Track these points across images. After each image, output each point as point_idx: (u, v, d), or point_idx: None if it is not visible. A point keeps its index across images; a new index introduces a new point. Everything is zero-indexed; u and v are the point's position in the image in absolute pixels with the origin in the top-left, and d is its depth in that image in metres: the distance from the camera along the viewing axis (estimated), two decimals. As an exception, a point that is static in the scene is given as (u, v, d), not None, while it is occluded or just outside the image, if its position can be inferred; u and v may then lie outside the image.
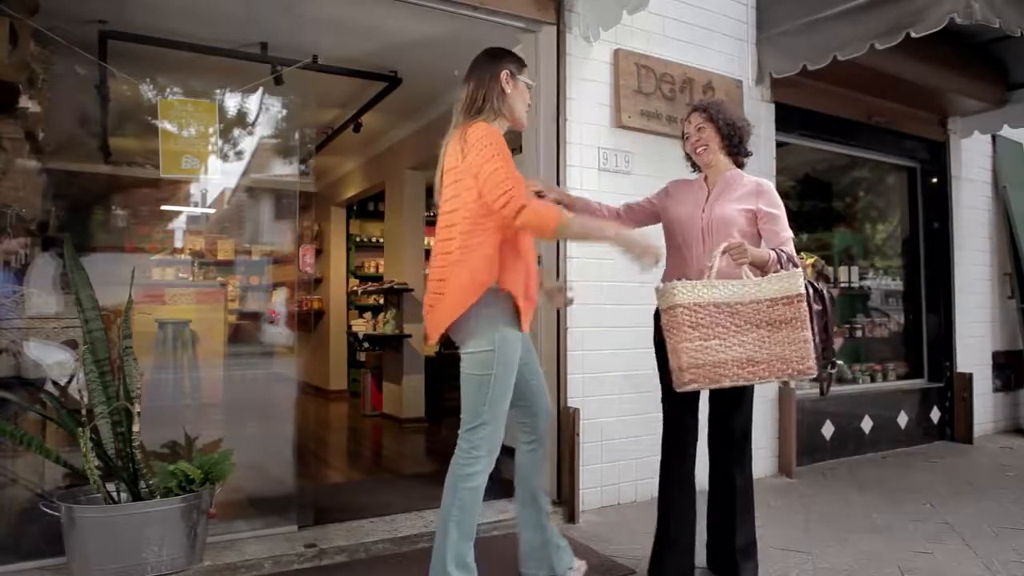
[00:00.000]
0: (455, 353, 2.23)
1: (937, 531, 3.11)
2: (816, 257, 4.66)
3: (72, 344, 2.82)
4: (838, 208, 5.60)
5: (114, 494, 2.34)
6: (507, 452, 2.24)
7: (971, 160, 5.49)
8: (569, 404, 3.31)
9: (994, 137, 5.56)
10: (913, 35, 3.39)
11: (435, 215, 2.27)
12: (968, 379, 5.16)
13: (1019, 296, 5.57)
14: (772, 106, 4.21)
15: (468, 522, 2.09)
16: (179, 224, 4.58)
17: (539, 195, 2.36)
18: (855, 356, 5.13)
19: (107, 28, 3.65)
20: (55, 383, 2.70)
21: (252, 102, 3.70)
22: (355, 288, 7.76)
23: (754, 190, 2.37)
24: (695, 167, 2.54)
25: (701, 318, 2.07)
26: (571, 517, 3.21)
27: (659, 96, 3.68)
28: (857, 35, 3.58)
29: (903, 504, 3.53)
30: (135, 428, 2.33)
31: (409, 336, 6.07)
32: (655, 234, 2.42)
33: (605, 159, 3.51)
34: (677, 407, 2.38)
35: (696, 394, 2.30)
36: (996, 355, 5.56)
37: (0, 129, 2.91)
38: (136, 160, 4.20)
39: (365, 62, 4.59)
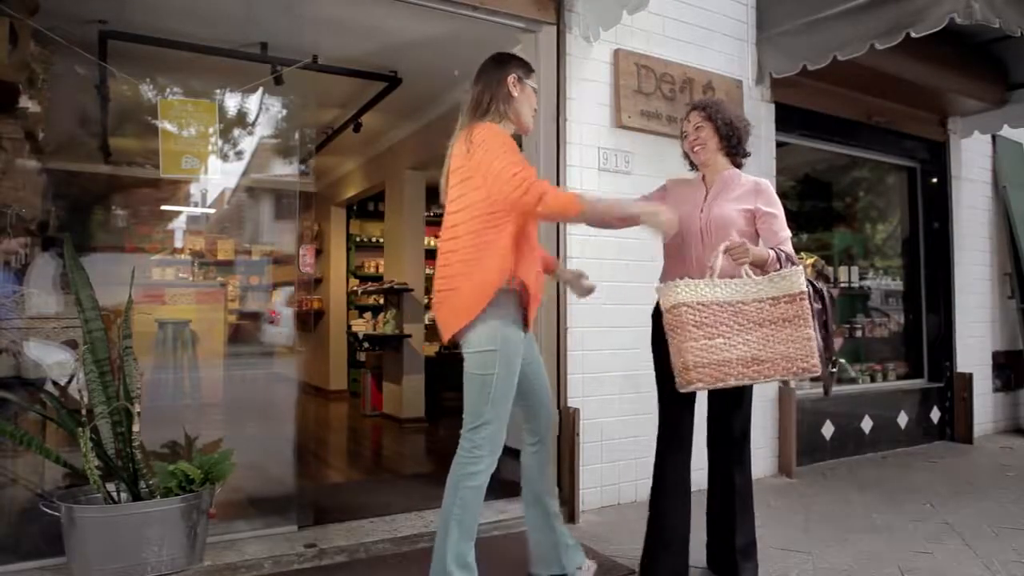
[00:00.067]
0: (455, 353, 2.23)
1: (937, 531, 3.11)
2: (816, 257, 4.65)
3: (72, 344, 2.82)
4: (838, 208, 5.60)
5: (114, 494, 2.34)
6: (508, 453, 2.24)
7: (971, 160, 5.49)
8: (569, 404, 3.31)
9: (994, 137, 5.56)
10: (913, 35, 3.39)
11: (435, 215, 2.28)
12: (968, 379, 5.17)
13: (1019, 296, 5.57)
14: (772, 106, 4.21)
15: (469, 521, 2.09)
16: (179, 224, 4.57)
17: None
18: (855, 356, 5.13)
19: (107, 28, 3.65)
20: (55, 383, 2.69)
21: (252, 102, 3.71)
22: (355, 288, 7.77)
23: (752, 189, 2.37)
24: (693, 166, 2.54)
25: (705, 317, 2.06)
26: (571, 517, 3.21)
27: (659, 96, 3.68)
28: (857, 35, 3.58)
29: (903, 504, 3.53)
30: (135, 428, 2.32)
31: (409, 336, 6.07)
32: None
33: (605, 159, 3.52)
34: (675, 406, 2.38)
35: (694, 394, 2.30)
36: (996, 355, 5.57)
37: (0, 129, 2.90)
38: (136, 160, 4.20)
39: (365, 62, 4.59)
